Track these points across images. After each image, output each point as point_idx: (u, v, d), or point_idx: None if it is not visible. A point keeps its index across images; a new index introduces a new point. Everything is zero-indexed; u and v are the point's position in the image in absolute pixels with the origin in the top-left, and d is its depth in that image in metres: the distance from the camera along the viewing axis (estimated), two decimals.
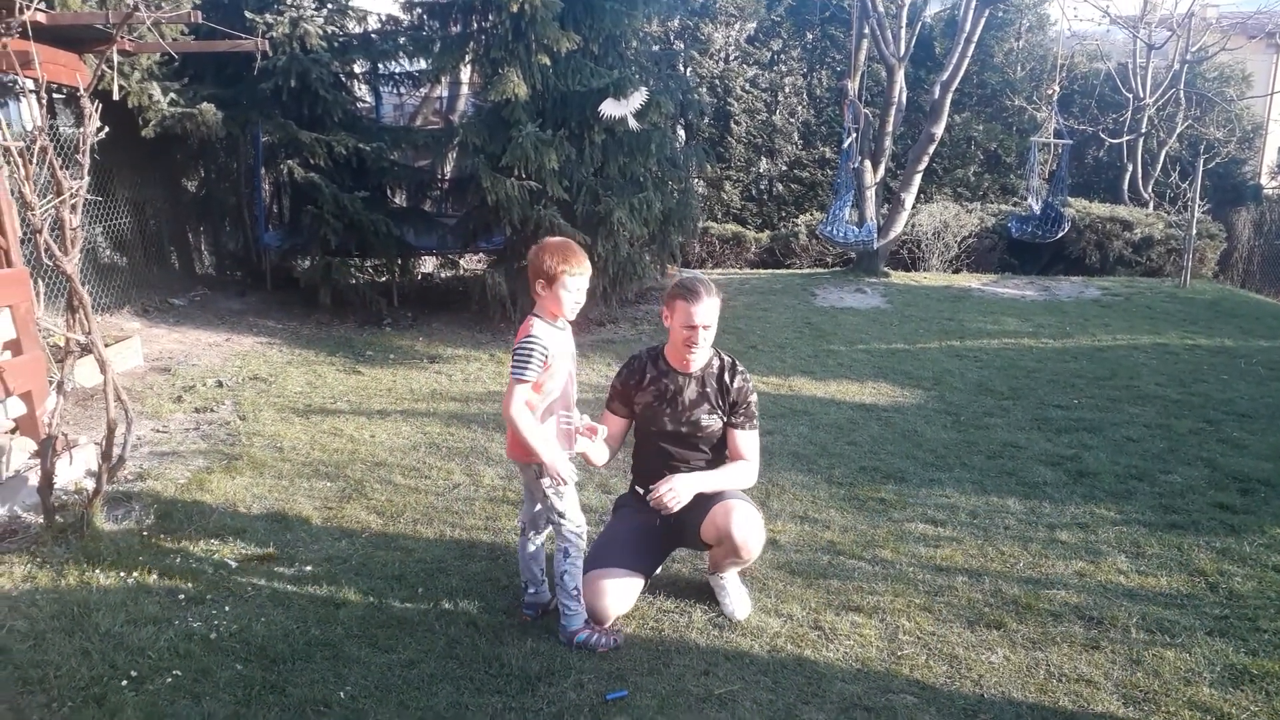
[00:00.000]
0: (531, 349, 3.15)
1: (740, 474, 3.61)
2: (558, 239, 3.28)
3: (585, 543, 3.36)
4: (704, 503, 3.48)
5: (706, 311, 3.44)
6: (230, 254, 10.65)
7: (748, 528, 3.42)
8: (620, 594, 3.45)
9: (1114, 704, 3.03)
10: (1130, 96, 16.95)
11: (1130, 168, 17.09)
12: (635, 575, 3.54)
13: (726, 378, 3.60)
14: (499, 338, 8.52)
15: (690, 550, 4.02)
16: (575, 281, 3.19)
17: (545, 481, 3.25)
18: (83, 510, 4.03)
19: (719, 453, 3.66)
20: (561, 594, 3.30)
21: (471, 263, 11.29)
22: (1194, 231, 13.24)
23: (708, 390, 3.58)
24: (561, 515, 3.29)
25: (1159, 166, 17.27)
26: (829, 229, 12.29)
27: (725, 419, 3.60)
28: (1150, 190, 17.17)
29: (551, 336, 3.22)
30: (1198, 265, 14.09)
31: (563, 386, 3.28)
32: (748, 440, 3.63)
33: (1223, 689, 3.12)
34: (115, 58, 4.38)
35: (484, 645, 3.25)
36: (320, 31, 8.61)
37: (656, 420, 3.60)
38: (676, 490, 3.41)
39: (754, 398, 3.65)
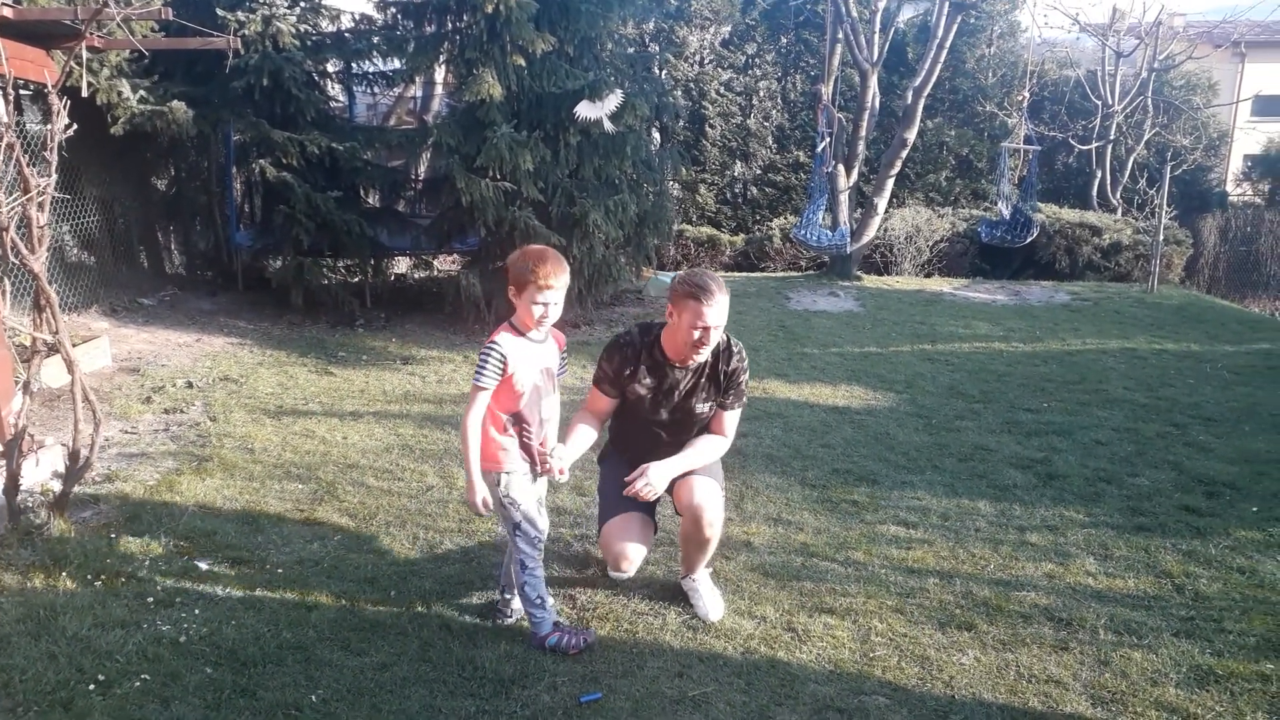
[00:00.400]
0: (488, 356, 3.13)
1: (713, 449, 3.57)
2: (540, 247, 3.22)
3: (541, 552, 3.32)
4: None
5: (718, 312, 3.28)
6: (201, 253, 10.53)
7: (709, 502, 3.45)
8: (640, 531, 3.52)
9: (1082, 704, 3.07)
10: (1099, 103, 17.19)
11: (1099, 174, 17.32)
12: (648, 516, 3.59)
13: (723, 364, 3.48)
14: (472, 339, 8.49)
15: (664, 554, 4.02)
16: (545, 295, 3.11)
17: (500, 490, 3.24)
18: (49, 513, 3.98)
19: (704, 428, 3.62)
20: (525, 604, 3.29)
21: (445, 264, 11.25)
22: (1161, 237, 13.45)
23: (705, 381, 3.49)
24: (515, 527, 3.26)
25: (1127, 173, 17.53)
26: (803, 233, 12.37)
27: (717, 405, 3.55)
28: (1119, 196, 17.42)
29: (515, 346, 3.17)
30: (1165, 271, 14.31)
31: (528, 400, 3.22)
32: (731, 419, 3.60)
33: (1189, 689, 3.17)
34: (84, 54, 4.33)
35: (457, 648, 3.24)
36: (293, 30, 8.54)
37: (649, 409, 3.51)
38: (652, 482, 3.36)
39: (745, 376, 3.56)
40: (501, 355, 3.12)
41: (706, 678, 3.14)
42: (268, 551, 3.98)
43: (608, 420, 3.68)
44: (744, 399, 3.61)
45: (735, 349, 3.51)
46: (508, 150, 7.99)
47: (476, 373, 3.14)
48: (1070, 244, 14.88)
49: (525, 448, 3.27)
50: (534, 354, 3.22)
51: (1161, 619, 3.65)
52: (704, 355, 3.38)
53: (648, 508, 3.59)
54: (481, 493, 3.18)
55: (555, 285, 3.12)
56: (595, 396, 3.57)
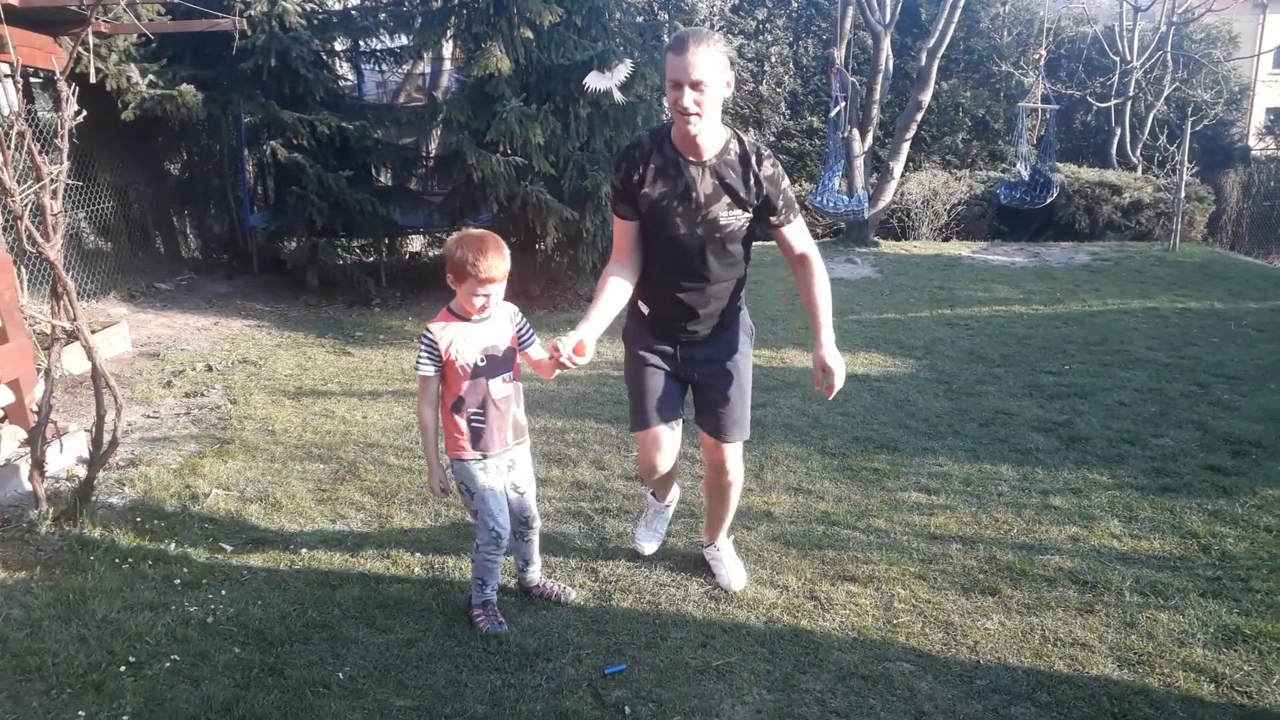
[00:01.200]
0: (421, 343, 3.10)
1: (820, 279, 3.10)
2: (479, 233, 3.03)
3: (499, 548, 3.23)
4: (715, 395, 3.27)
5: (697, 64, 2.74)
6: (216, 237, 10.56)
7: (732, 454, 3.34)
8: (670, 447, 3.34)
9: (1109, 667, 3.06)
10: (1117, 60, 16.91)
11: (1118, 132, 17.08)
12: (677, 425, 3.35)
13: (754, 164, 2.98)
14: None
15: (685, 525, 4.02)
16: (485, 288, 2.99)
17: (452, 476, 3.24)
18: (75, 497, 4.01)
19: (744, 254, 3.18)
20: (471, 570, 3.29)
21: None
22: (1183, 194, 13.26)
23: (728, 181, 2.98)
24: (474, 514, 3.25)
25: (1147, 130, 17.27)
26: (819, 199, 12.27)
27: (754, 215, 3.05)
28: (1139, 154, 17.18)
29: (452, 331, 3.07)
30: (1187, 228, 14.12)
31: (471, 384, 3.09)
32: (799, 232, 3.12)
33: (1216, 649, 3.15)
34: (91, 40, 4.31)
35: None
36: (299, 9, 8.49)
37: (667, 221, 3.02)
38: (839, 376, 2.99)
39: (786, 182, 3.06)
40: (431, 341, 3.06)
41: (730, 647, 3.15)
42: (291, 532, 4.01)
43: (640, 257, 3.17)
44: (797, 209, 3.10)
45: (765, 153, 3.02)
46: (518, 124, 7.94)
47: (416, 361, 3.14)
48: (1090, 203, 14.70)
49: (478, 433, 3.14)
50: (475, 335, 3.09)
51: (1188, 579, 3.63)
52: (699, 128, 2.84)
53: (677, 410, 3.34)
54: (438, 475, 3.20)
55: (496, 278, 2.99)
56: (618, 228, 3.13)
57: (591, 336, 2.95)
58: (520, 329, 3.22)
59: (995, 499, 4.43)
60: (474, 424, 3.14)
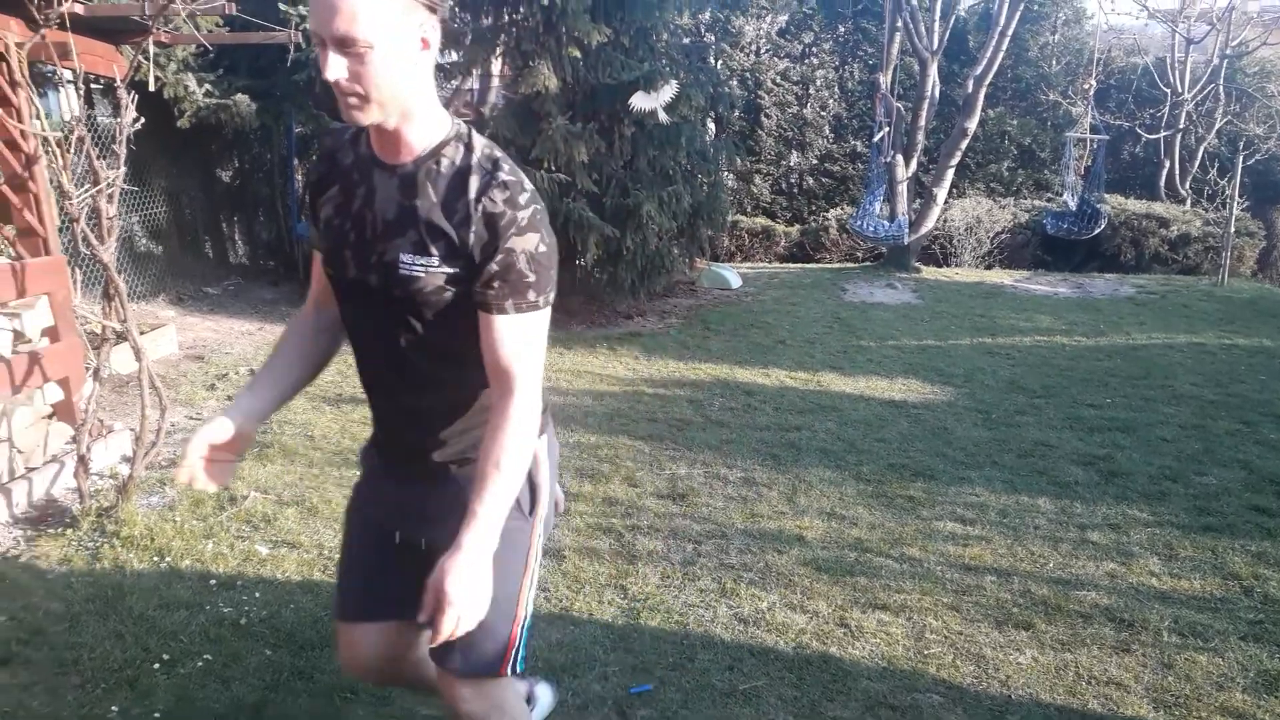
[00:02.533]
0: None
1: (513, 438, 1.76)
2: None
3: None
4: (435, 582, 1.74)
5: (343, 8, 1.57)
6: (264, 244, 10.77)
7: (471, 703, 2.00)
8: (384, 645, 2.16)
9: (1144, 708, 3.00)
10: (1168, 91, 16.71)
11: (1167, 164, 16.85)
12: (390, 624, 2.11)
13: (472, 186, 1.74)
14: None
15: (715, 546, 4.00)
16: None
17: None
18: (117, 495, 4.09)
19: (471, 349, 1.80)
20: None
21: None
22: (1232, 229, 13.03)
23: (418, 203, 1.76)
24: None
25: (1197, 163, 17.03)
26: (860, 223, 12.23)
27: (463, 273, 1.75)
28: (1188, 187, 16.93)
29: None
30: (1236, 263, 13.86)
31: None
32: (515, 335, 1.77)
33: (1256, 694, 3.08)
34: (151, 49, 4.43)
35: None
36: None
37: (336, 255, 1.86)
38: (459, 612, 1.71)
39: (534, 241, 1.74)
40: None
41: (757, 671, 3.13)
42: (325, 536, 4.05)
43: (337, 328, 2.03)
44: (541, 294, 1.77)
45: (505, 173, 1.76)
46: (562, 142, 8.02)
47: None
48: (1136, 235, 14.49)
49: None
50: None
51: (1228, 621, 3.55)
52: (362, 112, 1.67)
53: (394, 595, 2.01)
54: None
55: None
56: (314, 263, 2.01)
57: (223, 432, 1.83)
58: None
59: (1032, 532, 4.37)
60: None
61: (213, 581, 3.59)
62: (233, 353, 7.27)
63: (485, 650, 1.94)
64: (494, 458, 1.74)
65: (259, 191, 10.23)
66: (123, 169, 3.86)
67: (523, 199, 1.75)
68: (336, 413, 5.88)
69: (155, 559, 3.74)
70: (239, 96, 8.27)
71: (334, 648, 3.11)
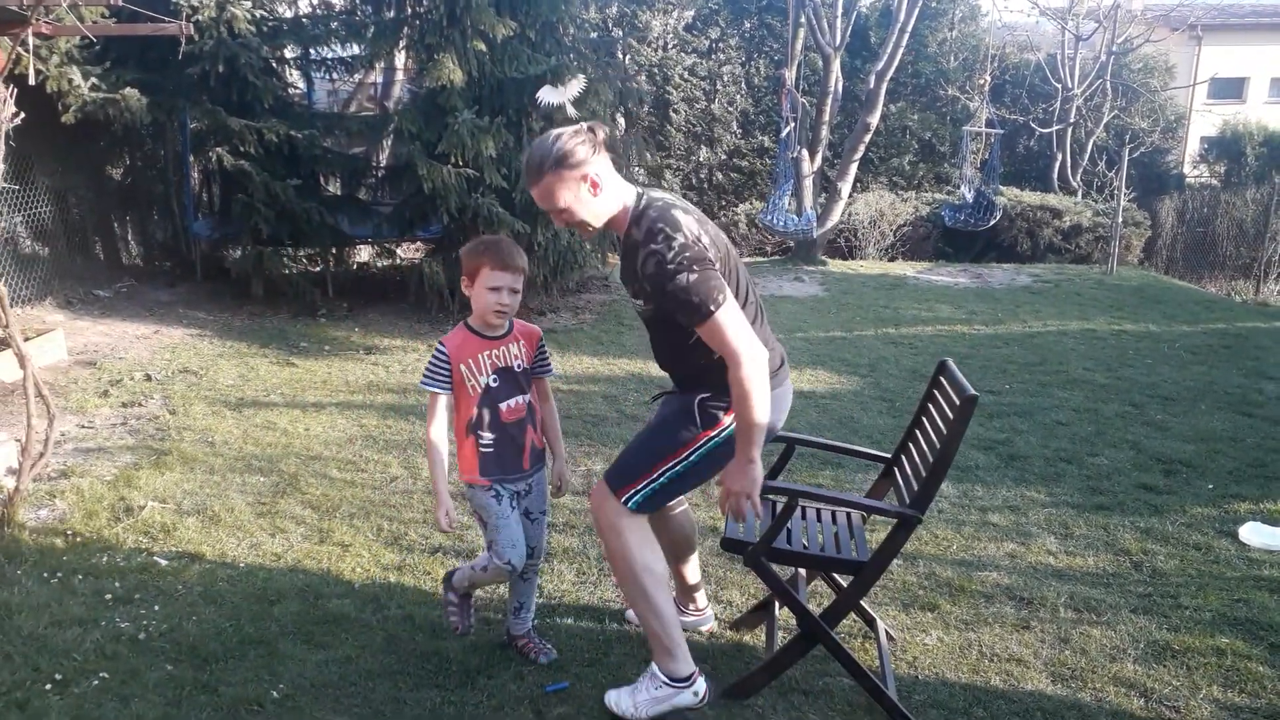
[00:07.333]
0: (432, 358, 2.90)
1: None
2: (495, 236, 3.04)
3: (502, 578, 3.03)
4: None
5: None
6: (158, 244, 10.36)
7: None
8: None
9: (1043, 682, 3.12)
10: (1059, 87, 17.37)
11: (1060, 157, 17.52)
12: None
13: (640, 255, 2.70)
14: (437, 328, 8.42)
15: None
16: (496, 277, 2.81)
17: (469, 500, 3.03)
18: (3, 509, 3.90)
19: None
20: (458, 576, 3.11)
21: (409, 252, 11.15)
22: (1120, 219, 13.62)
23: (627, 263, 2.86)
24: (489, 544, 2.99)
25: (1087, 155, 17.75)
26: (768, 218, 12.40)
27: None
28: (1079, 179, 17.63)
29: (463, 345, 2.89)
30: (1124, 252, 14.51)
31: (480, 403, 2.89)
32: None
33: (1146, 665, 3.23)
34: (31, 41, 4.22)
35: (422, 640, 3.22)
36: (249, 15, 8.39)
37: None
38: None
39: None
40: (443, 357, 2.87)
41: None
42: (228, 546, 3.93)
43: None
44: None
45: (655, 242, 2.62)
46: (470, 136, 7.92)
47: (423, 378, 2.92)
48: (1031, 226, 15.04)
49: (488, 458, 2.92)
50: (489, 353, 2.91)
51: (1120, 596, 3.71)
52: (585, 234, 2.85)
53: None
54: (445, 507, 2.86)
55: (516, 265, 2.84)
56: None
57: None
58: (540, 353, 3.05)
59: (935, 515, 4.49)
60: (483, 449, 2.93)
61: (109, 596, 3.44)
62: (127, 358, 6.99)
63: (621, 471, 2.83)
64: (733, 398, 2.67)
65: (153, 190, 9.84)
66: (2, 166, 3.67)
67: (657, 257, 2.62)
68: (238, 417, 5.71)
69: (45, 575, 3.57)
70: (128, 91, 7.94)
71: (239, 659, 3.03)
